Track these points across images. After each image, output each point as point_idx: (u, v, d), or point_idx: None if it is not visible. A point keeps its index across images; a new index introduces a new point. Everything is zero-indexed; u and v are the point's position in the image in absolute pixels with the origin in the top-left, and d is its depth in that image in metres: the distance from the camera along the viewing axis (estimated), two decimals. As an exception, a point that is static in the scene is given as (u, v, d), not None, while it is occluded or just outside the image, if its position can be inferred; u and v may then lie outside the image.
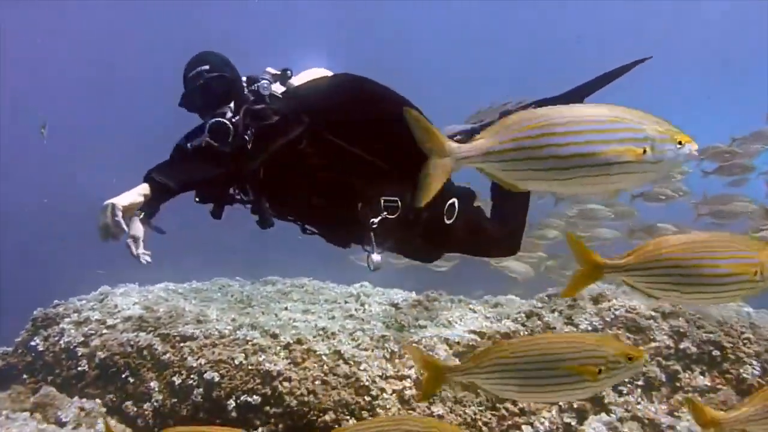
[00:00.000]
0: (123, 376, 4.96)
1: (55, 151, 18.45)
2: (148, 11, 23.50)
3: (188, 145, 3.38)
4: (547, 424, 4.51)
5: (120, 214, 2.90)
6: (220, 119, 3.32)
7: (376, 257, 3.62)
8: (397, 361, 4.98)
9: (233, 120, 3.33)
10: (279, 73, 3.59)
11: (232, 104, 3.39)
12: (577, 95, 3.77)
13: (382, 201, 3.54)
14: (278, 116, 3.38)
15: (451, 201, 3.73)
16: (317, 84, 3.68)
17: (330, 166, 3.52)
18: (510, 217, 4.10)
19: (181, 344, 5.12)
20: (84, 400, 4.72)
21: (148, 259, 3.06)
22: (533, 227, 8.41)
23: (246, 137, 3.33)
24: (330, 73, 3.81)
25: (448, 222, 3.74)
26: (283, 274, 7.48)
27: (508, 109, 4.24)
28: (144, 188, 2.97)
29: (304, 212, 3.63)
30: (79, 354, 5.13)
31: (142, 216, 3.24)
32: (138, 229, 3.10)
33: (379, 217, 3.53)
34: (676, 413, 4.48)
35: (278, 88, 3.56)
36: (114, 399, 4.87)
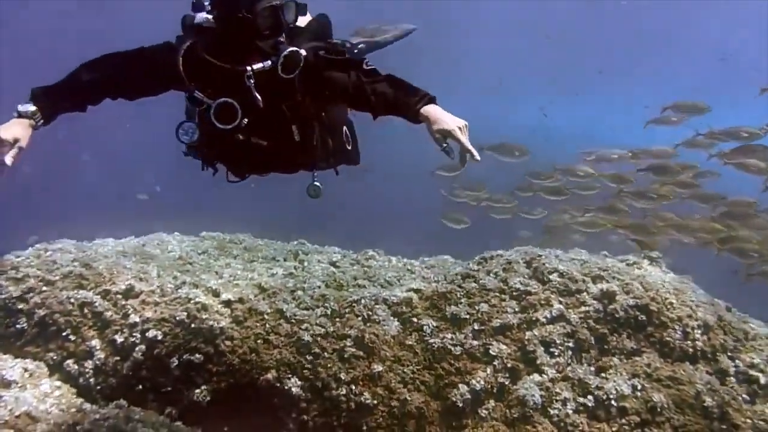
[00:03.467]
0: (64, 334, 4.91)
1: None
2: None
3: (250, 68, 3.46)
4: (482, 383, 4.69)
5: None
6: (295, 49, 3.47)
7: (318, 183, 4.12)
8: (337, 320, 5.08)
9: (302, 53, 3.50)
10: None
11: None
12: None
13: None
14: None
15: (344, 130, 4.26)
16: (319, 24, 3.95)
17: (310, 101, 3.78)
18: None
19: (123, 302, 5.11)
20: (28, 360, 4.68)
21: (8, 163, 3.10)
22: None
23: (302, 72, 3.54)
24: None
25: (348, 148, 4.30)
26: (218, 229, 7.47)
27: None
28: None
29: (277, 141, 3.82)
30: (18, 311, 5.05)
31: (40, 123, 3.31)
32: (26, 138, 3.21)
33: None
34: (603, 374, 4.71)
35: None
36: (55, 357, 4.83)
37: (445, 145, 3.20)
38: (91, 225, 7.07)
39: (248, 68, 3.43)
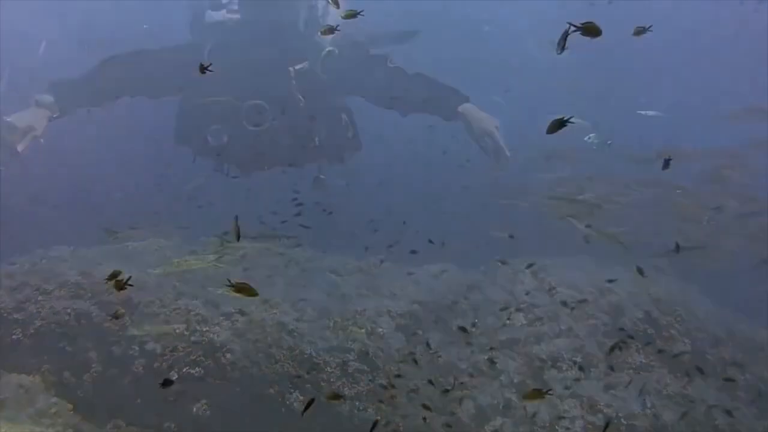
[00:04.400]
0: (60, 345, 4.79)
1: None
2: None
3: (293, 69, 3.64)
4: (489, 398, 4.60)
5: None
6: (332, 48, 3.66)
7: (322, 176, 4.37)
8: (340, 332, 4.98)
9: (335, 51, 3.70)
10: None
11: None
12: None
13: None
14: None
15: (343, 117, 4.27)
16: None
17: None
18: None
19: (121, 312, 4.98)
20: (23, 375, 4.56)
21: (19, 150, 3.09)
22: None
23: None
24: None
25: (349, 135, 4.37)
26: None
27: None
28: None
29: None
30: (14, 322, 4.93)
31: (56, 115, 3.26)
32: (40, 127, 3.18)
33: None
34: (612, 391, 4.62)
35: None
36: (52, 369, 4.71)
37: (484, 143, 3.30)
38: (87, 231, 6.92)
39: (290, 69, 3.46)
